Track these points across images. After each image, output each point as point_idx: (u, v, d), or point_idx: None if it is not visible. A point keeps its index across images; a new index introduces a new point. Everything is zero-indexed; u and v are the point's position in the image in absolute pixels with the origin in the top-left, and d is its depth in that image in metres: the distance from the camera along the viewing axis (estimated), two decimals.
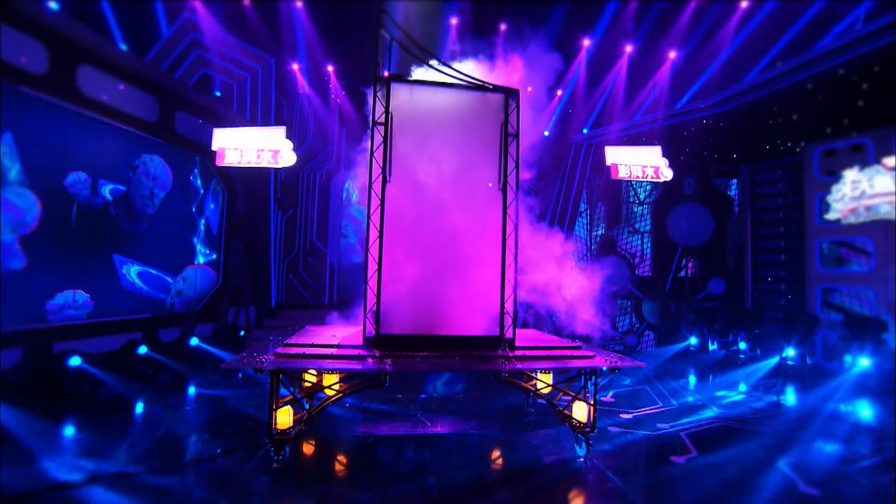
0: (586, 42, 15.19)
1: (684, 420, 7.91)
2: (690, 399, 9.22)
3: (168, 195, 11.04)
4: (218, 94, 13.79)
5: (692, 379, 11.10)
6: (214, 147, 10.66)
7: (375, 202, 6.34)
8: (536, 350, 6.60)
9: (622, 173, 12.49)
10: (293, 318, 13.69)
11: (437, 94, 6.64)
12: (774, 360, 10.42)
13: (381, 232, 6.30)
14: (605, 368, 6.11)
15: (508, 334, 6.61)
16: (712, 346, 11.93)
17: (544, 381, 6.55)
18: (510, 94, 6.82)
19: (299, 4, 14.01)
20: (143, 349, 9.00)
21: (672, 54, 14.71)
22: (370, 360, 5.90)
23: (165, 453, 6.14)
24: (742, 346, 11.64)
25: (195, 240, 11.79)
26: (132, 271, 9.91)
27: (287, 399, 5.95)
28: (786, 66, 12.19)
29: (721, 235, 14.04)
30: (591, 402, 6.35)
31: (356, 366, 5.74)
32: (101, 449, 6.12)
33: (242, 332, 11.94)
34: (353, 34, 15.01)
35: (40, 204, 7.91)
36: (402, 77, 6.59)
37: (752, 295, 12.98)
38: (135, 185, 10.30)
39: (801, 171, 11.93)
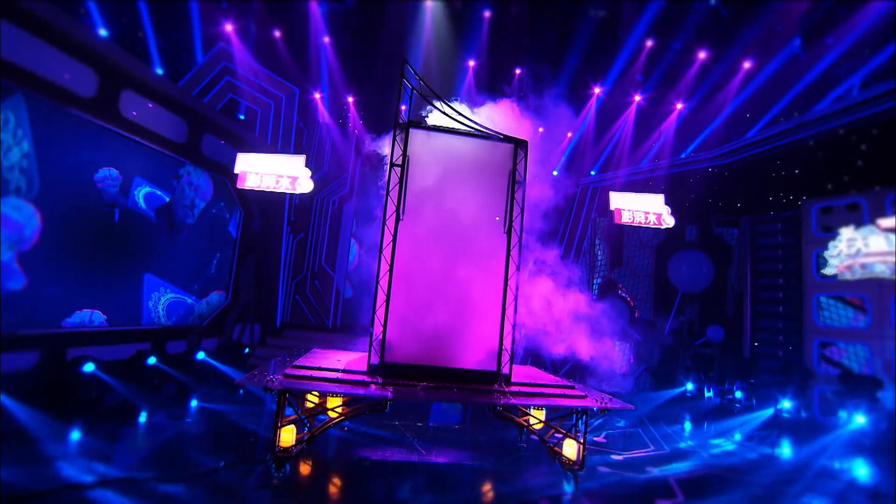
0: (597, 90, 16.03)
1: (675, 465, 8.15)
2: (683, 445, 9.44)
3: (204, 210, 11.67)
4: (242, 117, 14.62)
5: (687, 425, 11.30)
6: (237, 170, 11.31)
7: (388, 238, 6.86)
8: (530, 387, 6.97)
9: (625, 218, 12.99)
10: (296, 338, 14.11)
11: (450, 140, 7.24)
12: (769, 412, 10.65)
13: (391, 266, 6.80)
14: (595, 409, 6.46)
15: (505, 370, 7.00)
16: (708, 394, 12.16)
17: (537, 418, 6.89)
18: (519, 144, 7.41)
19: (326, 40, 14.99)
20: (152, 360, 9.41)
21: (679, 105, 15.48)
22: (373, 386, 6.29)
23: (167, 462, 6.49)
24: (738, 394, 11.87)
25: (220, 261, 12.39)
26: (161, 301, 10.45)
27: (292, 418, 6.32)
28: (786, 125, 12.85)
29: (721, 283, 14.44)
30: (581, 441, 6.66)
31: (360, 391, 6.13)
32: (106, 453, 6.48)
33: (247, 350, 12.33)
34: (376, 68, 15.93)
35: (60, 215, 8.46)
36: (420, 123, 7.22)
37: (749, 344, 13.26)
38: (178, 195, 10.86)
39: (799, 226, 12.40)
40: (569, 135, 16.45)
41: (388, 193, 6.92)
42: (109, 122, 9.14)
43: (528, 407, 6.85)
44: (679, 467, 8.08)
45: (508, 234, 7.19)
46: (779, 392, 11.10)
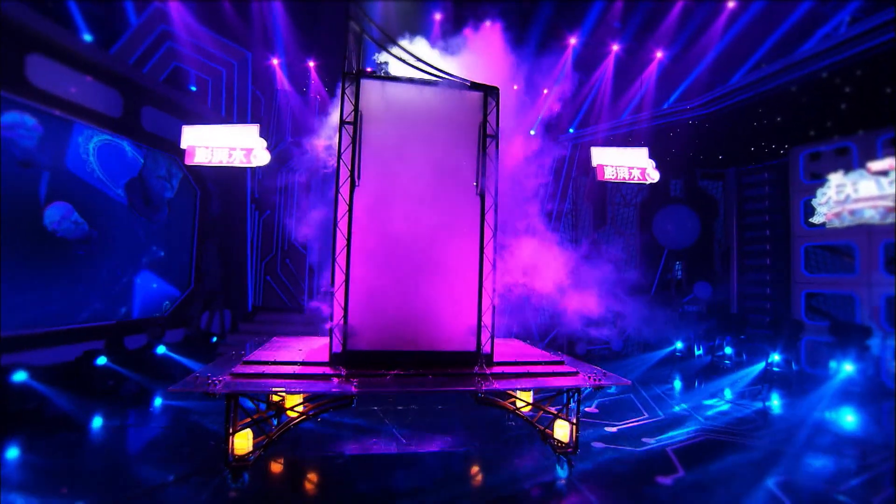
0: (572, 40, 14.75)
1: (670, 434, 7.52)
2: (677, 409, 8.85)
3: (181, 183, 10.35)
4: (193, 88, 13.09)
5: (678, 385, 10.77)
6: (184, 145, 9.98)
7: (343, 208, 5.81)
8: (516, 366, 6.14)
9: (608, 175, 12.06)
10: (271, 321, 13.10)
11: (411, 91, 6.11)
12: (760, 366, 10.12)
13: (348, 240, 5.78)
14: (588, 389, 5.67)
15: (486, 349, 6.14)
16: (698, 352, 11.62)
17: (524, 400, 6.10)
18: (489, 91, 6.32)
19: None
20: (101, 359, 8.36)
21: (659, 54, 14.34)
22: (335, 379, 5.38)
23: (108, 481, 5.56)
24: (728, 351, 11.33)
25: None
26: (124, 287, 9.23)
27: (246, 422, 5.42)
28: (771, 69, 11.86)
29: (707, 238, 13.75)
30: (574, 421, 5.91)
31: (319, 387, 5.22)
32: (34, 476, 5.52)
33: (215, 339, 11.33)
34: (335, 28, 14.37)
35: None
36: (373, 73, 6.05)
37: (737, 299, 12.70)
38: (150, 163, 9.45)
39: (786, 175, 11.62)
40: (545, 91, 15.25)
41: (339, 156, 5.83)
42: (17, 93, 7.74)
43: (514, 390, 6.05)
44: (675, 435, 7.45)
45: (481, 195, 6.20)
46: (768, 346, 10.56)
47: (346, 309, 5.73)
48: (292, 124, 14.28)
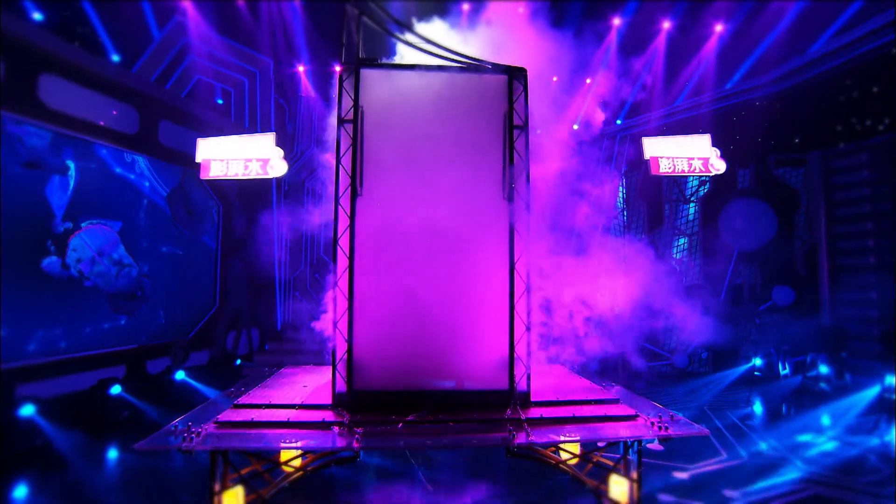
0: (616, 21, 13.32)
1: (762, 484, 6.06)
2: (763, 446, 7.30)
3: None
4: (220, 101, 12.88)
5: (758, 409, 9.14)
6: (199, 159, 9.58)
7: (344, 222, 4.94)
8: (558, 407, 5.00)
9: (664, 168, 10.56)
10: (299, 340, 12.57)
11: (420, 79, 5.15)
12: (873, 392, 8.28)
13: (351, 259, 4.89)
14: (651, 440, 4.45)
15: (522, 386, 5.05)
16: (783, 371, 9.86)
17: (569, 452, 4.94)
18: (515, 74, 5.26)
19: (297, 1, 12.89)
20: (116, 388, 7.98)
21: (718, 27, 12.64)
22: (336, 428, 4.49)
23: None
24: (823, 370, 9.51)
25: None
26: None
27: (235, 477, 4.64)
28: (864, 29, 9.96)
29: (786, 235, 11.85)
30: (634, 478, 4.70)
31: (316, 440, 4.33)
32: None
33: (239, 361, 10.87)
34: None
35: None
36: (375, 61, 5.15)
37: (830, 306, 10.77)
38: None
39: (892, 155, 9.67)
40: (588, 81, 13.87)
41: (338, 161, 4.96)
42: (28, 113, 7.51)
43: (556, 444, 4.90)
44: (770, 487, 5.99)
45: (510, 199, 5.13)
46: (880, 365, 8.70)
47: (349, 342, 4.84)
48: (319, 132, 13.78)
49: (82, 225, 8.39)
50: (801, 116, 11.59)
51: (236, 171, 9.64)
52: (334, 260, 4.90)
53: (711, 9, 12.53)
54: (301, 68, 13.83)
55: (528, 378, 5.05)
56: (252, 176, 9.78)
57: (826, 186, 11.21)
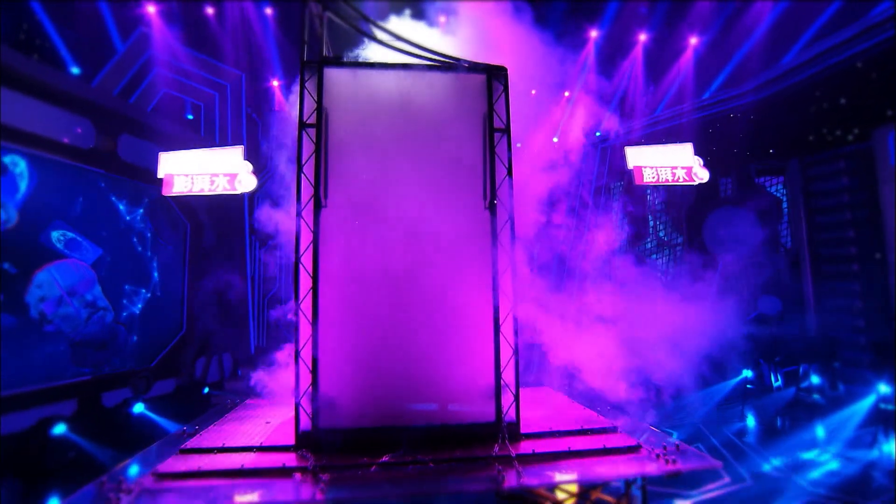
0: (593, 33, 13.17)
1: None
2: (766, 468, 6.82)
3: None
4: (190, 116, 12.21)
5: (753, 424, 8.70)
6: (161, 174, 8.88)
7: (307, 237, 4.34)
8: (551, 438, 4.42)
9: (647, 178, 10.26)
10: (276, 363, 11.75)
11: (392, 79, 4.64)
12: (868, 402, 7.91)
13: (314, 279, 4.28)
14: (655, 475, 3.90)
15: (510, 417, 4.46)
16: (776, 383, 9.46)
17: (566, 492, 4.35)
18: (494, 73, 4.79)
19: (269, 12, 12.39)
20: (60, 427, 7.09)
21: (693, 40, 12.58)
22: (298, 475, 3.82)
23: None
24: (814, 380, 9.15)
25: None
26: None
27: None
28: (839, 38, 9.91)
29: (770, 244, 11.62)
30: None
31: (274, 493, 3.65)
32: None
33: (207, 389, 10.01)
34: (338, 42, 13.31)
35: None
36: (340, 59, 4.62)
37: (816, 315, 10.48)
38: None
39: (872, 162, 9.52)
40: (566, 94, 13.64)
41: (300, 169, 4.39)
42: None
43: (551, 486, 4.29)
44: None
45: (492, 208, 4.61)
46: (872, 374, 8.36)
47: (314, 373, 4.19)
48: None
49: (51, 239, 7.52)
50: (779, 125, 11.46)
51: (202, 187, 8.96)
52: (296, 280, 4.28)
53: (687, 18, 12.48)
54: (275, 83, 13.26)
55: (517, 406, 4.47)
56: (219, 192, 9.11)
57: (806, 194, 11.04)
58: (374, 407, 4.27)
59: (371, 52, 4.99)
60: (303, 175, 4.31)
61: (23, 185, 7.42)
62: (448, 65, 4.65)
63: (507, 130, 4.70)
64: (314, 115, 4.41)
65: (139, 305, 9.41)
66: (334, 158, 4.45)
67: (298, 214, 4.27)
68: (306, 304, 4.20)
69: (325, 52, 4.61)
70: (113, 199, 9.12)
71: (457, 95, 4.72)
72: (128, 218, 9.27)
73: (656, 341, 11.24)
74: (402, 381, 4.31)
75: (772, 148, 11.91)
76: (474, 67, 4.70)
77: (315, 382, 4.15)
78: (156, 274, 9.93)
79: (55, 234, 7.85)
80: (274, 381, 9.61)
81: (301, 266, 4.20)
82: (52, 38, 10.24)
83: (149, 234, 9.71)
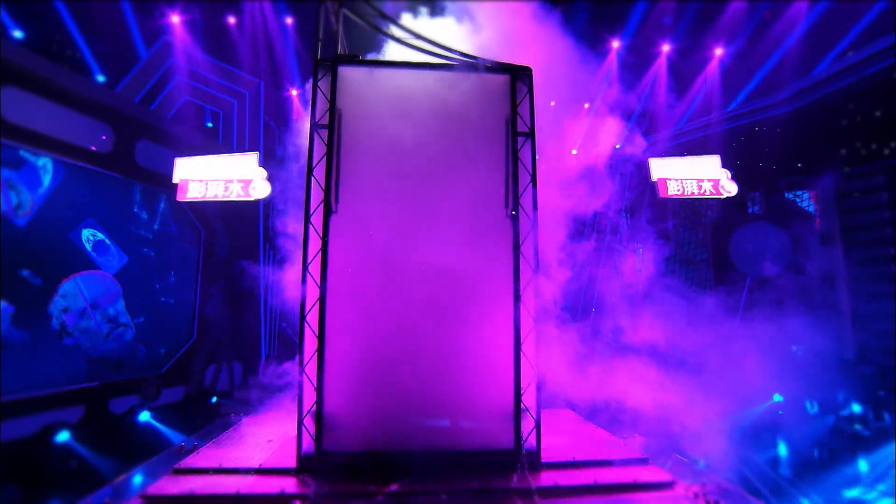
0: (615, 43, 12.86)
1: None
2: None
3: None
4: (210, 124, 12.23)
5: (783, 452, 8.03)
6: (176, 179, 8.77)
7: (316, 244, 4.05)
8: (575, 469, 3.99)
9: (672, 190, 9.82)
10: (287, 373, 11.48)
11: (409, 79, 4.37)
12: None
13: (322, 289, 3.97)
14: None
15: (530, 444, 4.05)
16: (812, 410, 8.79)
17: None
18: (518, 74, 4.49)
19: (290, 21, 12.39)
20: (63, 435, 6.86)
21: (718, 51, 12.18)
22: (297, 503, 3.48)
23: None
24: (855, 408, 8.47)
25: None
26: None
27: None
28: (878, 46, 9.42)
29: (802, 262, 11.00)
30: None
31: None
32: None
33: (215, 399, 9.75)
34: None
35: None
36: (355, 57, 4.37)
37: (854, 338, 9.80)
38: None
39: None
40: (586, 105, 13.30)
41: (310, 172, 4.12)
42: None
43: None
44: None
45: (514, 217, 4.26)
46: None
47: (319, 390, 3.86)
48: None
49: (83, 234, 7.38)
50: (811, 137, 10.93)
51: (216, 193, 8.83)
52: (303, 290, 3.98)
53: (713, 28, 12.10)
54: (294, 92, 13.22)
55: (538, 434, 4.06)
56: (233, 198, 8.97)
57: (841, 210, 10.43)
58: (383, 428, 3.91)
59: (390, 54, 4.73)
60: (313, 178, 4.02)
61: (46, 180, 7.32)
62: (469, 65, 4.36)
63: (531, 134, 4.37)
64: (327, 115, 4.15)
65: (153, 312, 9.26)
66: (347, 161, 4.17)
67: (307, 220, 3.98)
68: (312, 316, 3.88)
69: (341, 50, 4.37)
70: (136, 204, 9.07)
71: (478, 97, 4.42)
72: (154, 225, 9.22)
73: (684, 364, 10.66)
74: (414, 401, 3.95)
75: (803, 161, 11.34)
76: (497, 67, 4.40)
77: (320, 401, 3.81)
78: (172, 280, 9.80)
79: (86, 233, 7.73)
80: (282, 393, 9.32)
81: (308, 275, 3.89)
82: (81, 48, 10.35)
83: (173, 239, 9.64)
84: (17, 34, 9.37)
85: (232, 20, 12.33)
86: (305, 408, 3.81)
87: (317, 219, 3.97)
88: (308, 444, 3.83)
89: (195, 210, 10.49)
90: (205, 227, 10.75)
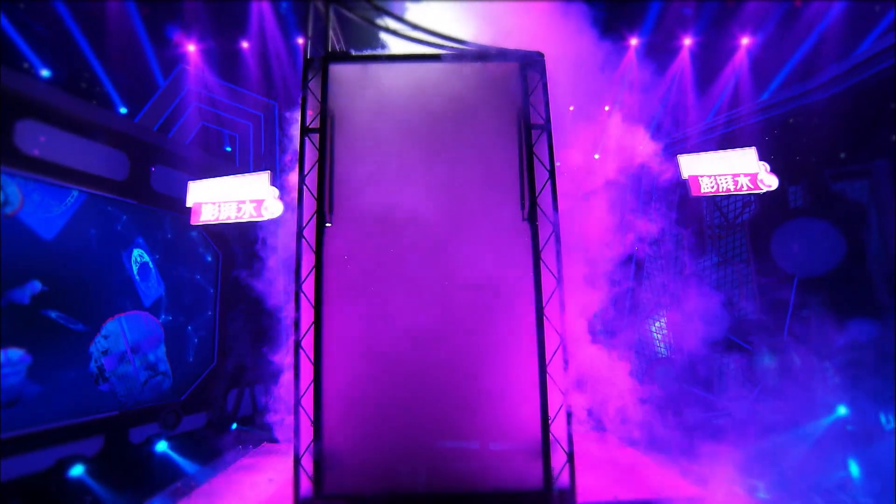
0: (633, 41, 12.23)
1: None
2: None
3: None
4: (228, 149, 12.24)
5: (854, 472, 7.01)
6: (189, 203, 8.61)
7: (310, 259, 3.60)
8: None
9: (705, 188, 9.03)
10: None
11: (408, 73, 3.92)
12: None
13: (317, 310, 3.50)
14: None
15: (563, 482, 3.42)
16: (888, 426, 7.71)
17: None
18: (529, 62, 3.97)
19: (301, 41, 12.34)
20: (78, 469, 6.59)
21: (745, 40, 11.40)
22: None
23: None
24: None
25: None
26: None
27: None
28: None
29: (858, 257, 9.91)
30: None
31: None
32: None
33: (235, 425, 9.42)
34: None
35: None
36: (347, 54, 3.96)
37: None
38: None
39: None
40: (606, 108, 12.66)
41: (302, 182, 3.69)
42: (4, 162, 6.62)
43: None
44: None
45: (531, 218, 3.71)
46: None
47: (317, 425, 3.36)
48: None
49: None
50: (860, 121, 9.94)
51: (228, 214, 8.59)
52: (297, 310, 3.52)
53: (737, 19, 11.34)
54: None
55: (572, 470, 3.42)
56: (245, 219, 8.72)
57: None
58: (391, 468, 3.36)
59: (389, 50, 4.31)
60: (305, 187, 3.58)
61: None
62: (474, 53, 3.88)
63: (546, 127, 3.83)
64: (318, 119, 3.72)
65: (179, 341, 9.08)
66: (342, 167, 3.72)
67: (299, 234, 3.53)
68: (308, 341, 3.40)
69: (329, 45, 3.96)
70: (168, 229, 9.02)
71: (486, 88, 3.92)
72: (181, 251, 9.14)
73: (719, 370, 9.67)
74: (426, 436, 3.39)
75: (850, 149, 10.32)
76: (505, 55, 3.90)
77: (318, 438, 3.30)
78: (192, 304, 9.62)
79: (136, 253, 7.62)
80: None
81: (302, 294, 3.43)
82: (105, 84, 10.48)
83: (195, 263, 9.52)
84: (45, 73, 9.52)
85: (245, 45, 12.37)
86: (302, 446, 3.31)
87: (309, 231, 3.51)
88: (307, 486, 3.31)
89: (211, 233, 10.36)
90: (222, 250, 10.58)
